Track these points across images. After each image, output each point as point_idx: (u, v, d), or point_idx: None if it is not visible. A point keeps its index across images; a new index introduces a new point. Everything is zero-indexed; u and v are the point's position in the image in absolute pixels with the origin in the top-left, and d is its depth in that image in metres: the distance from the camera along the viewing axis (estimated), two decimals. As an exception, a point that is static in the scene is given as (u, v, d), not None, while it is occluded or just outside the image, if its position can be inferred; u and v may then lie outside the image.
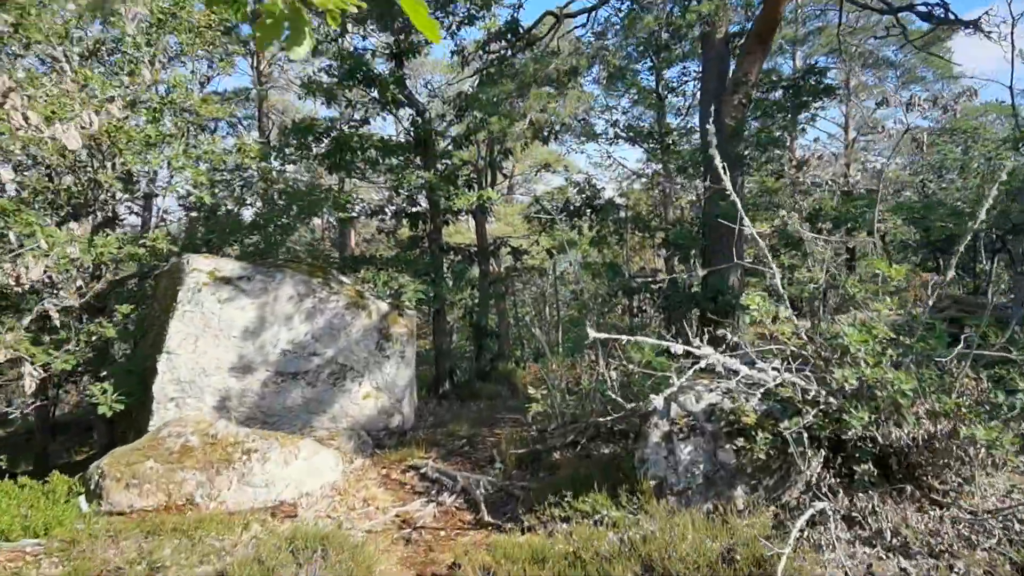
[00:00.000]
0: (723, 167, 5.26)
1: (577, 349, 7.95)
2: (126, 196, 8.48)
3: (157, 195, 9.39)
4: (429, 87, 14.09)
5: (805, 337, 5.26)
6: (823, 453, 4.83)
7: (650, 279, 8.99)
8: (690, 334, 8.55)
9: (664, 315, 9.35)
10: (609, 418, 6.59)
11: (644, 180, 13.47)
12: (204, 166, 8.49)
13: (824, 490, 4.72)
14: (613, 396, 6.98)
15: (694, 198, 11.64)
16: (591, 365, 7.77)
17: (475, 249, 13.71)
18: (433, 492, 6.69)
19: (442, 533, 5.59)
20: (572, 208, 11.62)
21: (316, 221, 26.55)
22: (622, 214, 11.36)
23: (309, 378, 8.20)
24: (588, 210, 11.54)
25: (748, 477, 4.94)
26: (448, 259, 12.74)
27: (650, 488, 5.05)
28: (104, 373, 8.72)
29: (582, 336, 9.28)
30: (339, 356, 8.38)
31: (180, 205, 12.14)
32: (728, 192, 5.38)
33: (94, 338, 8.69)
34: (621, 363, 7.36)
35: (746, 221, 5.49)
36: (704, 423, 5.12)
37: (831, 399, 4.84)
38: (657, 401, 4.47)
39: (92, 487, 5.86)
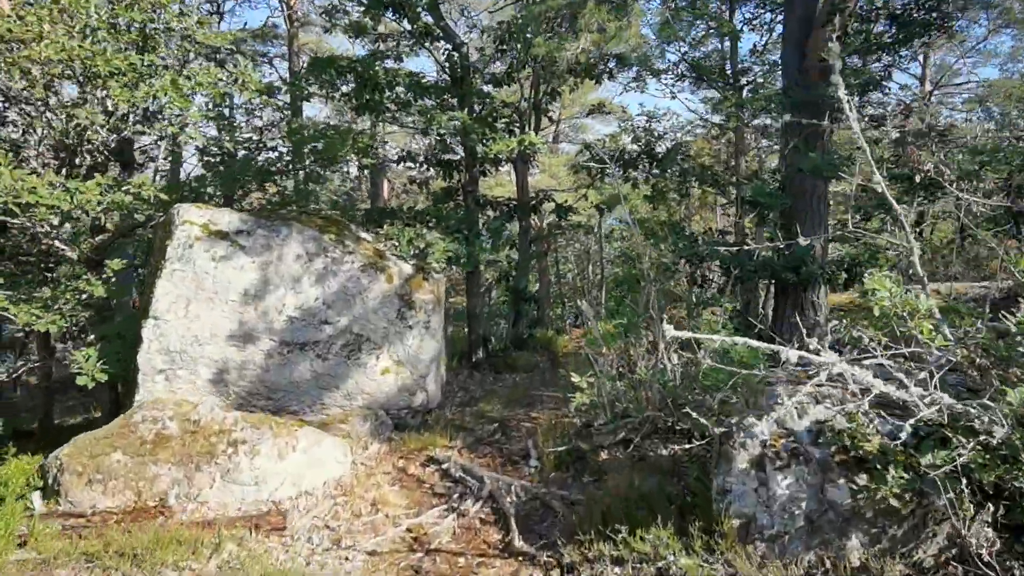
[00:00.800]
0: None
1: (628, 324, 6.72)
2: (114, 136, 7.44)
3: (156, 136, 8.33)
4: (467, 15, 12.62)
5: (952, 337, 3.91)
6: (978, 498, 3.56)
7: (724, 244, 7.63)
8: (765, 311, 7.19)
9: (733, 286, 8.01)
10: (677, 421, 5.40)
11: (708, 127, 11.88)
12: (201, 100, 7.39)
13: (978, 551, 3.47)
14: (681, 392, 5.78)
15: (771, 149, 10.09)
16: (649, 348, 6.55)
17: (515, 203, 12.43)
18: (455, 496, 5.65)
19: (461, 561, 4.55)
20: (627, 158, 10.21)
21: (353, 171, 25.53)
22: (686, 165, 9.90)
23: (319, 349, 7.19)
24: (646, 160, 10.11)
25: (867, 523, 3.71)
26: (484, 214, 11.52)
27: (733, 529, 3.87)
28: (93, 337, 7.90)
29: (625, 309, 8.04)
30: (354, 325, 7.33)
31: (196, 149, 11.16)
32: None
33: (84, 296, 7.83)
34: (685, 352, 6.12)
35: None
36: (809, 447, 3.88)
37: (993, 427, 3.52)
38: (759, 427, 3.24)
39: (50, 481, 4.97)
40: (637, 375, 6.28)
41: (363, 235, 8.25)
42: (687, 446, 6.09)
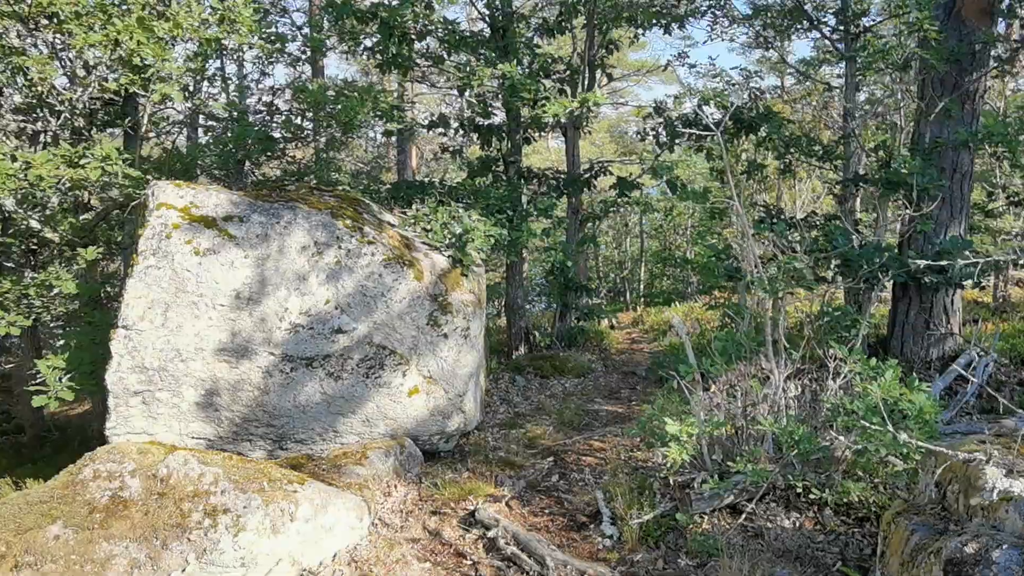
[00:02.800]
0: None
1: (730, 345, 5.28)
2: (86, 94, 6.12)
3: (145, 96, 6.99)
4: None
5: None
6: None
7: (833, 234, 6.04)
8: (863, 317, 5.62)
9: (863, 292, 6.46)
10: (803, 482, 4.00)
11: (782, 91, 10.14)
12: (182, 48, 6.02)
13: None
14: (808, 442, 4.36)
15: (899, 113, 8.39)
16: (757, 378, 5.10)
17: (563, 177, 10.92)
18: (507, 582, 4.31)
19: None
20: (702, 122, 8.59)
21: (378, 136, 24.06)
22: (787, 133, 8.23)
23: (331, 365, 5.88)
24: (734, 126, 8.48)
25: None
26: (529, 189, 10.05)
27: None
28: (63, 343, 6.73)
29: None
30: (375, 334, 5.99)
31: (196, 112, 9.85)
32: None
33: (52, 292, 6.63)
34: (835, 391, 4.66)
35: None
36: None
37: None
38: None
39: (-39, 567, 3.72)
40: (751, 421, 4.83)
41: (386, 218, 6.86)
42: (820, 517, 4.67)
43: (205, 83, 8.61)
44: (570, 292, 10.35)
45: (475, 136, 10.30)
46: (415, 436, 6.36)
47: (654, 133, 9.64)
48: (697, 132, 7.93)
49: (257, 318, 5.70)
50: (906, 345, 7.44)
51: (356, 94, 7.43)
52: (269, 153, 10.22)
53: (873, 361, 4.45)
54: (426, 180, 9.69)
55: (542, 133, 11.90)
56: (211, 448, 5.95)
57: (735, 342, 5.24)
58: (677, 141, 9.44)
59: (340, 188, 8.85)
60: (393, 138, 15.83)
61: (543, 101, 7.74)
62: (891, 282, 7.42)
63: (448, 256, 6.54)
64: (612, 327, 10.96)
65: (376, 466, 5.74)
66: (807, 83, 10.74)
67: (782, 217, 7.77)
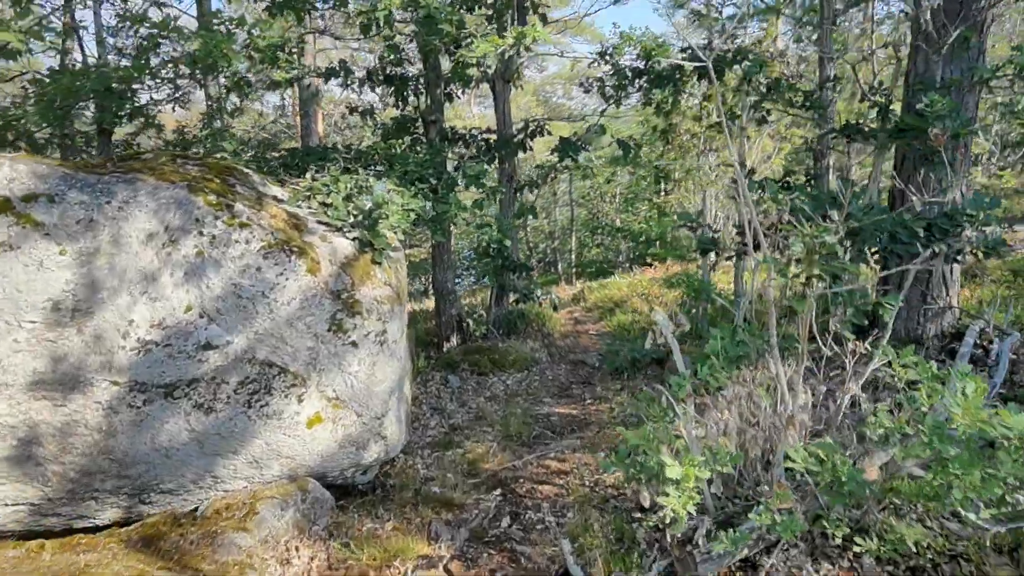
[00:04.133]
0: None
1: (732, 347, 4.19)
2: None
3: None
4: None
5: None
6: None
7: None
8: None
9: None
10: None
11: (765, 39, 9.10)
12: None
13: None
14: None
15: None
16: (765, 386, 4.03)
17: (494, 139, 9.60)
18: None
19: None
20: (661, 71, 7.41)
21: (287, 104, 21.90)
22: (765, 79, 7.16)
23: (201, 394, 4.45)
24: (698, 71, 7.33)
25: None
26: (455, 154, 8.68)
27: None
28: None
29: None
30: (258, 348, 4.59)
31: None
32: None
33: None
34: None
35: None
36: None
37: None
38: None
39: None
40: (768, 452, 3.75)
41: (272, 191, 5.40)
42: (859, 568, 3.65)
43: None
44: (507, 272, 9.10)
45: (387, 91, 8.84)
46: (322, 474, 5.03)
47: (599, 84, 8.42)
48: (698, 63, 6.70)
49: (90, 336, 4.20)
50: (898, 321, 6.60)
51: (220, 26, 5.84)
52: (136, 117, 8.50)
53: (932, 366, 3.41)
54: (326, 146, 8.18)
55: (466, 90, 10.51)
56: (38, 515, 4.47)
57: (735, 338, 4.13)
58: (626, 93, 8.25)
59: (217, 157, 7.26)
60: (288, 99, 14.06)
61: (468, 39, 6.36)
62: (876, 249, 6.50)
63: (354, 239, 5.15)
64: (555, 308, 9.81)
65: (269, 524, 4.39)
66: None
67: (754, 177, 6.75)
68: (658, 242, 25.78)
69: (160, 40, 7.32)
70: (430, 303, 13.95)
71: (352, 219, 5.23)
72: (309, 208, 5.48)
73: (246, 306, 4.53)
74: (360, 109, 10.66)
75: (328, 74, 7.94)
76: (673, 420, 4.31)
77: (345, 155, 7.75)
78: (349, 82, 8.04)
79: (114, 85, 5.81)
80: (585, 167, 10.28)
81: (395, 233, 5.60)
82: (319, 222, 5.24)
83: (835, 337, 4.19)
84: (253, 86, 10.11)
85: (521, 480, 5.26)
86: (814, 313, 5.07)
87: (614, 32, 37.21)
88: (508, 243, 6.84)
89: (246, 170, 5.65)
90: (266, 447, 4.69)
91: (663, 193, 26.13)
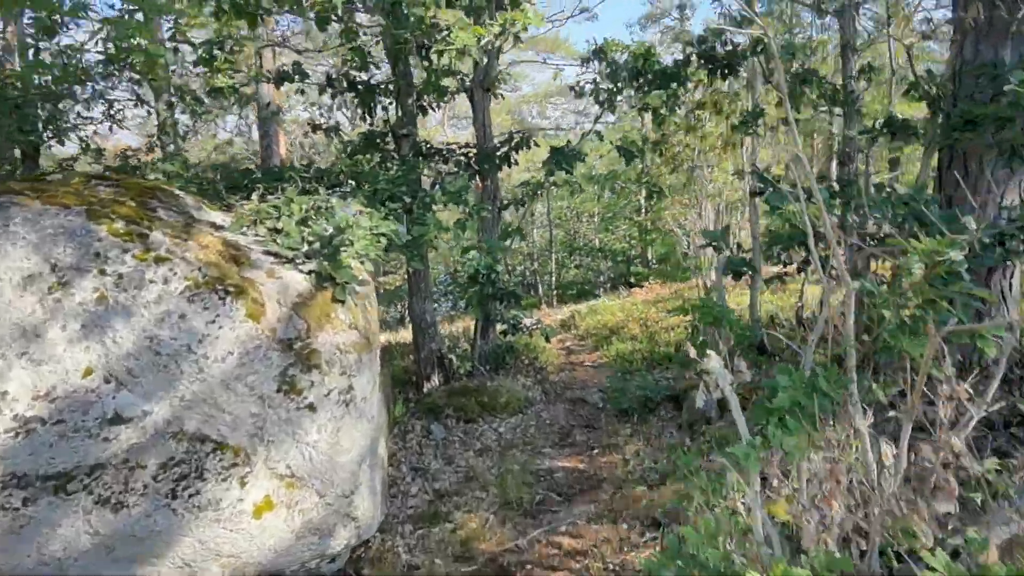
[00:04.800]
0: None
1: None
2: None
3: None
4: None
5: None
6: None
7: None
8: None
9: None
10: None
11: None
12: None
13: None
14: None
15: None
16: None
17: (473, 154, 8.68)
18: None
19: None
20: (664, 69, 6.55)
21: (252, 131, 20.85)
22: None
23: (107, 484, 3.41)
24: (713, 66, 6.48)
25: None
26: (431, 170, 7.74)
27: None
28: None
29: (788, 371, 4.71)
30: (185, 418, 3.56)
31: None
32: None
33: None
34: None
35: None
36: None
37: None
38: None
39: None
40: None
41: (208, 216, 4.40)
42: None
43: None
44: (491, 301, 8.12)
45: (353, 102, 7.91)
46: (276, 572, 3.97)
47: (592, 87, 7.55)
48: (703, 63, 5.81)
49: (-54, 413, 3.14)
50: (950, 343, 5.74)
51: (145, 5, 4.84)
52: (60, 136, 7.52)
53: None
54: (279, 166, 7.20)
55: (440, 103, 9.59)
56: None
57: (812, 387, 3.19)
58: (620, 98, 7.40)
59: (153, 179, 6.25)
60: (249, 120, 13.06)
61: (445, 32, 5.43)
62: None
63: (310, 272, 4.16)
64: (547, 339, 8.84)
65: (198, 657, 3.32)
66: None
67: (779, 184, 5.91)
68: (662, 261, 25.06)
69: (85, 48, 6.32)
70: (407, 334, 12.86)
71: (308, 247, 4.23)
72: (256, 235, 4.48)
73: (167, 365, 3.49)
74: (324, 126, 9.72)
75: (281, 79, 6.95)
76: (726, 494, 3.40)
77: (304, 174, 6.75)
78: (304, 88, 7.07)
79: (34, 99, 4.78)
80: (575, 182, 9.39)
81: (363, 262, 4.61)
82: (267, 252, 4.24)
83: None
84: (204, 103, 9.14)
85: (528, 566, 4.24)
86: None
87: (588, 48, 36.84)
88: (500, 268, 5.90)
89: (178, 192, 4.65)
90: (200, 546, 3.63)
91: (644, 212, 25.54)
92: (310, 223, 4.52)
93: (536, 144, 8.27)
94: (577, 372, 9.65)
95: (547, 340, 8.88)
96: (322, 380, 3.89)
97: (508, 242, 7.70)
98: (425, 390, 8.52)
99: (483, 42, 5.20)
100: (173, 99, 10.07)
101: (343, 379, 3.99)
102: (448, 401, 7.51)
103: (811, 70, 6.39)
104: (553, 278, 29.43)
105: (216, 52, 6.11)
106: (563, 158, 7.34)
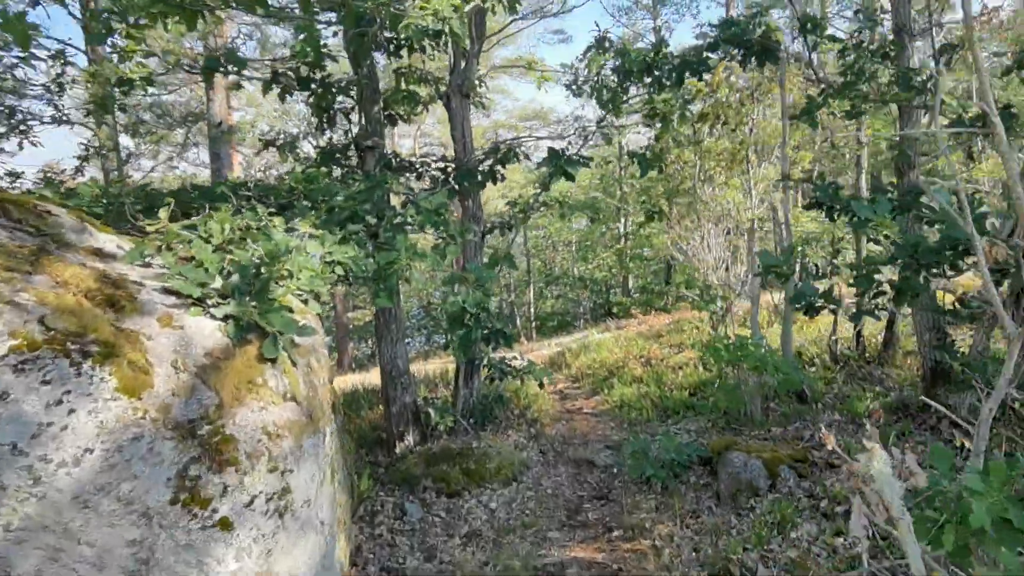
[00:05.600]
0: None
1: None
2: None
3: None
4: None
5: None
6: None
7: None
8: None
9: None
10: None
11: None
12: None
13: None
14: None
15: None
16: None
17: (451, 169, 7.55)
18: None
19: None
20: (684, 57, 5.49)
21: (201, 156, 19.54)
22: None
23: None
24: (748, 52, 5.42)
25: None
26: (400, 184, 6.56)
27: None
28: None
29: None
30: (14, 559, 2.24)
31: None
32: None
33: None
34: None
35: None
36: None
37: None
38: None
39: None
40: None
41: (92, 241, 3.16)
42: None
43: None
44: (478, 342, 6.88)
45: (308, 103, 6.75)
46: None
47: (594, 85, 6.47)
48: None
49: None
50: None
51: None
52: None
53: None
54: (209, 184, 5.96)
55: (412, 113, 8.46)
56: None
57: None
58: (626, 99, 6.32)
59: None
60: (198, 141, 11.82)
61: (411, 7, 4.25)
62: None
63: (226, 319, 2.91)
64: (542, 385, 7.61)
65: None
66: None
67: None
68: (644, 291, 24.12)
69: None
70: (374, 377, 11.41)
71: (222, 283, 3.00)
72: (162, 267, 3.23)
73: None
74: (279, 142, 8.54)
75: (208, 68, 5.69)
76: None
77: (246, 192, 5.52)
78: (239, 76, 5.85)
79: None
80: (566, 203, 8.28)
81: (308, 301, 3.39)
82: (166, 291, 2.99)
83: None
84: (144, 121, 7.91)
85: None
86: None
87: (565, 70, 36.19)
88: (492, 305, 4.73)
89: (50, 208, 3.38)
90: None
91: (624, 240, 24.62)
92: (234, 250, 3.29)
93: (526, 157, 7.15)
94: (576, 422, 8.41)
95: (541, 386, 7.65)
96: (241, 482, 2.63)
97: (497, 270, 6.52)
98: (398, 451, 7.23)
99: (468, 7, 4.10)
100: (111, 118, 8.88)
101: (274, 478, 2.73)
102: (426, 469, 6.22)
103: (867, 51, 5.29)
104: (532, 309, 28.32)
105: (116, 24, 4.86)
106: (564, 163, 6.17)
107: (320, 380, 3.28)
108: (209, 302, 2.91)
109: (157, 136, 12.66)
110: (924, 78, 4.97)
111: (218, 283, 2.91)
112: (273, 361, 2.92)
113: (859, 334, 8.09)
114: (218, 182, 5.53)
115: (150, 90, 6.80)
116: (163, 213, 3.70)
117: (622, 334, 13.61)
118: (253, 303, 2.98)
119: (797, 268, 4.06)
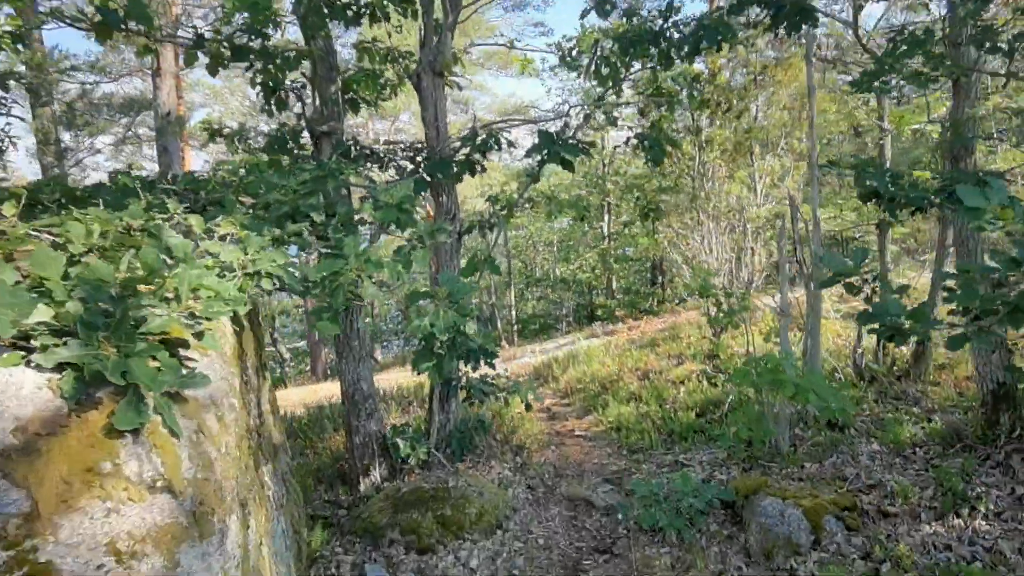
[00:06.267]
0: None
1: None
2: None
3: None
4: None
5: None
6: None
7: None
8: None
9: None
10: None
11: None
12: None
13: None
14: None
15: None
16: None
17: (422, 158, 6.59)
18: None
19: None
20: (702, 20, 4.61)
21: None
22: None
23: None
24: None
25: None
26: (359, 177, 5.57)
27: None
28: None
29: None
30: None
31: None
32: None
33: None
34: None
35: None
36: None
37: None
38: None
39: None
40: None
41: None
42: None
43: None
44: (453, 361, 5.93)
45: (254, 80, 5.77)
46: None
47: (594, 56, 5.53)
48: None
49: None
50: None
51: None
52: None
53: None
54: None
55: (382, 96, 7.48)
56: None
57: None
58: (626, 75, 5.39)
59: None
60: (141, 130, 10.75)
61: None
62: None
63: (60, 369, 1.92)
64: (529, 407, 6.67)
65: None
66: None
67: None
68: (628, 292, 23.35)
69: None
70: (332, 386, 9.97)
71: (61, 312, 2.01)
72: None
73: None
74: (227, 131, 7.55)
75: (102, 24, 4.57)
76: None
77: (167, 184, 4.51)
78: (151, 43, 4.82)
79: None
80: (555, 200, 7.33)
81: (204, 336, 2.41)
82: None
83: None
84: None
85: None
86: None
87: (543, 63, 35.41)
88: (472, 327, 3.77)
89: None
90: None
91: (608, 240, 23.77)
92: (90, 262, 2.31)
93: (510, 145, 6.18)
94: (568, 448, 7.48)
95: (528, 408, 6.71)
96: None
97: (477, 278, 5.58)
98: (363, 488, 6.26)
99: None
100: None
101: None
102: (394, 517, 5.25)
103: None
104: (513, 312, 27.42)
105: None
106: (560, 147, 5.18)
107: (222, 447, 2.30)
108: (35, 343, 1.93)
109: (95, 128, 11.51)
110: (1013, 36, 4.08)
111: (43, 314, 1.92)
112: (135, 433, 1.94)
113: (883, 345, 7.25)
114: (121, 172, 4.49)
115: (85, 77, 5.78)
116: (7, 208, 2.70)
117: (612, 341, 12.69)
118: (111, 342, 2.00)
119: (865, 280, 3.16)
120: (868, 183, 3.67)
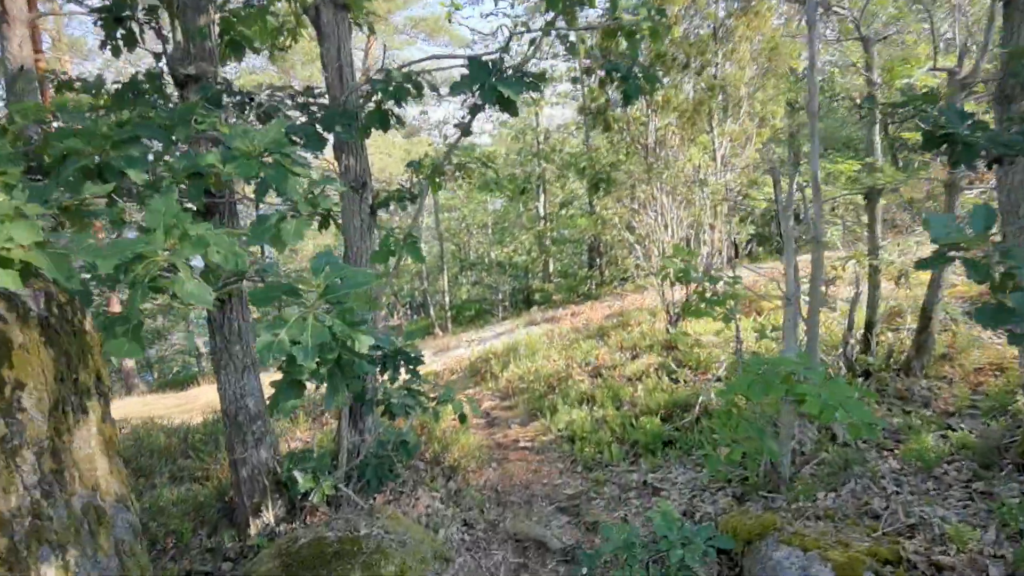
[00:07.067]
0: None
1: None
2: None
3: None
4: None
5: None
6: None
7: None
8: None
9: None
10: None
11: None
12: None
13: None
14: None
15: None
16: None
17: (319, 106, 5.26)
18: None
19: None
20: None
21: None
22: None
23: None
24: None
25: None
26: (219, 123, 4.24)
27: None
28: None
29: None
30: None
31: None
32: None
33: None
34: None
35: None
36: None
37: None
38: None
39: None
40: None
41: None
42: None
43: None
44: (361, 376, 4.69)
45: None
46: None
47: None
48: None
49: None
50: None
51: None
52: None
53: None
54: None
55: (276, 41, 6.11)
56: None
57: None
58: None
59: None
60: None
61: None
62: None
63: None
64: (464, 420, 5.48)
65: None
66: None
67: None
68: (565, 276, 22.45)
69: None
70: (210, 393, 8.48)
71: None
72: None
73: None
74: (77, 85, 6.07)
75: None
76: None
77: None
78: None
79: None
80: (494, 172, 6.16)
81: None
82: None
83: None
84: None
85: None
86: None
87: (474, 34, 33.98)
88: (364, 337, 2.59)
89: None
90: None
91: (545, 221, 22.73)
92: None
93: (434, 90, 4.92)
94: (512, 464, 6.33)
95: (463, 421, 5.53)
96: None
97: (393, 265, 4.34)
98: (252, 532, 4.97)
99: None
100: None
101: None
102: (287, 563, 3.99)
103: None
104: (447, 298, 26.17)
105: None
106: (498, 82, 3.89)
107: None
108: None
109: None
110: None
111: None
112: None
113: (874, 334, 6.37)
114: None
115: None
116: None
117: (554, 329, 11.59)
118: None
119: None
120: (938, 123, 2.61)
